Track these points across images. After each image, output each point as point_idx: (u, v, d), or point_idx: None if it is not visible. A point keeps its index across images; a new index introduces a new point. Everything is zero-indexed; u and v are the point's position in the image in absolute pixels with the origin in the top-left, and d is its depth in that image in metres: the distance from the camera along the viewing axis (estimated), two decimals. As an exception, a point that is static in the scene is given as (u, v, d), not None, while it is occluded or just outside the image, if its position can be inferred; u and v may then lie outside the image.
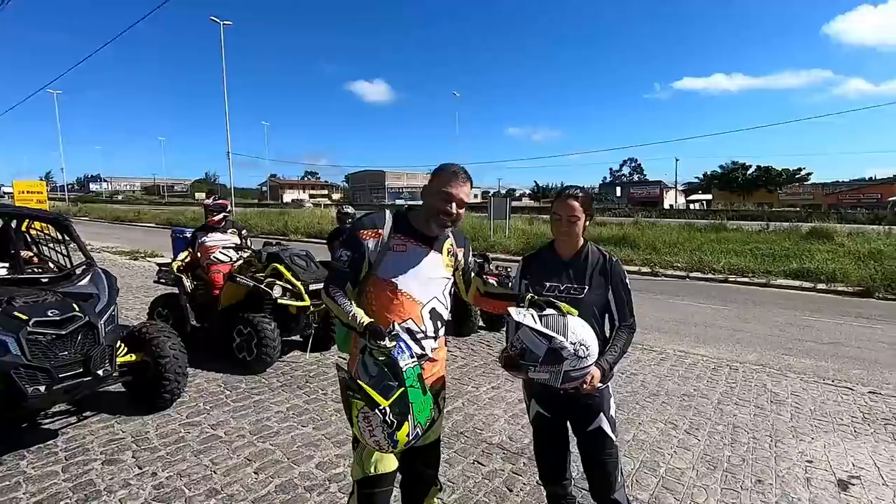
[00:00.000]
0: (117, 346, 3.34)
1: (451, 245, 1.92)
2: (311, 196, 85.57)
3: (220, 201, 5.29)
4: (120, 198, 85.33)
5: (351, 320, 1.65)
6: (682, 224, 19.70)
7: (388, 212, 1.82)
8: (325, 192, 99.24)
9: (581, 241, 1.98)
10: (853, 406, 4.23)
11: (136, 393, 3.59)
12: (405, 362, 1.57)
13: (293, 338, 5.17)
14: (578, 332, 1.72)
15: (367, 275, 1.77)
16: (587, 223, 1.95)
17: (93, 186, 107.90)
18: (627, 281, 1.95)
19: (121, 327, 3.54)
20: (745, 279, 11.32)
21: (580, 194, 1.93)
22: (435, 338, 1.85)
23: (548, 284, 1.95)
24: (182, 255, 5.06)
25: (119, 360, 3.35)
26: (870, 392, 4.61)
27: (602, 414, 1.91)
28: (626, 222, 21.51)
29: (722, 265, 12.19)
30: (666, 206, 48.61)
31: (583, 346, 1.71)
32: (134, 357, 3.49)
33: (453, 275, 1.95)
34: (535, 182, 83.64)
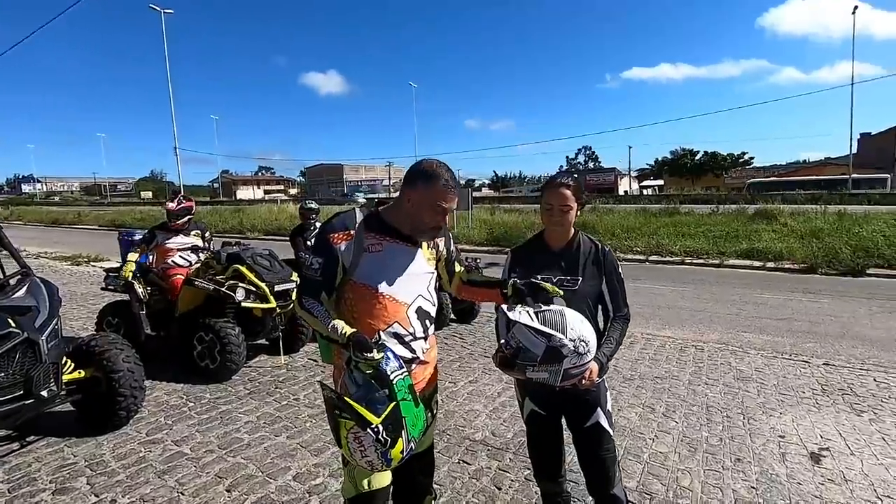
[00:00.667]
0: (63, 362, 3.04)
1: None
2: (267, 192, 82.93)
3: (186, 203, 4.91)
4: (57, 199, 79.72)
5: (332, 332, 1.52)
6: (638, 209, 20.29)
7: (357, 210, 1.67)
8: (281, 187, 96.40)
9: (572, 231, 1.91)
10: (812, 379, 4.43)
11: (87, 412, 3.28)
12: (395, 373, 1.45)
13: (259, 342, 4.92)
14: (577, 328, 1.64)
15: (344, 280, 1.63)
16: (579, 212, 1.88)
17: (25, 188, 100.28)
18: (620, 270, 1.89)
19: (66, 340, 3.23)
20: (701, 261, 11.77)
21: (571, 183, 1.85)
22: (425, 338, 1.74)
23: (539, 277, 1.86)
24: (132, 257, 4.66)
25: (66, 377, 3.05)
26: (824, 364, 4.85)
27: (599, 409, 1.86)
28: (584, 209, 21.90)
29: (678, 248, 12.63)
30: (621, 192, 50.03)
31: (582, 342, 1.64)
32: (83, 373, 3.19)
33: (436, 267, 1.83)
34: (495, 172, 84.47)
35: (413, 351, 1.69)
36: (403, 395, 1.45)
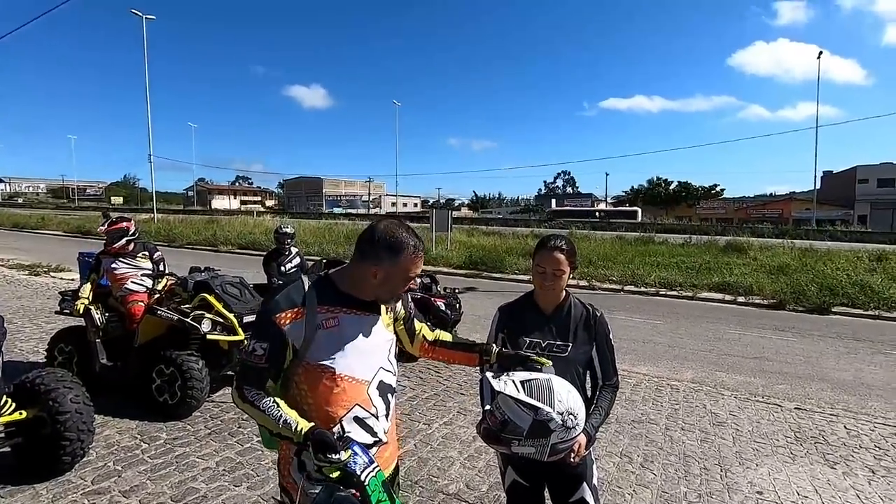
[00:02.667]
0: (2, 402, 2.79)
1: None
2: (244, 202, 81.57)
3: (118, 226, 4.50)
4: (20, 201, 76.56)
5: (284, 428, 1.30)
6: (614, 237, 20.63)
7: (304, 279, 1.45)
8: (259, 198, 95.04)
9: (563, 294, 1.83)
10: (784, 425, 4.44)
11: (27, 457, 2.99)
12: (366, 472, 1.26)
13: (223, 373, 4.67)
14: (565, 399, 1.55)
15: (293, 363, 1.41)
16: (571, 275, 1.81)
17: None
18: (612, 336, 1.82)
19: (11, 373, 2.97)
20: (675, 293, 11.95)
21: (565, 247, 1.78)
22: (387, 415, 1.53)
23: (528, 340, 1.78)
24: (86, 289, 4.36)
25: (4, 419, 2.80)
26: (796, 408, 4.89)
27: (585, 483, 1.77)
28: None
29: (653, 278, 12.81)
30: (596, 217, 50.97)
31: (571, 416, 1.55)
32: (24, 414, 2.92)
33: (395, 329, 1.64)
34: (474, 192, 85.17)
35: (375, 434, 1.48)
36: (378, 496, 1.27)
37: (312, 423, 1.32)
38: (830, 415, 4.74)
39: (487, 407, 1.61)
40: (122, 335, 4.32)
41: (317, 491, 1.26)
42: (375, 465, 1.32)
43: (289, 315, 1.37)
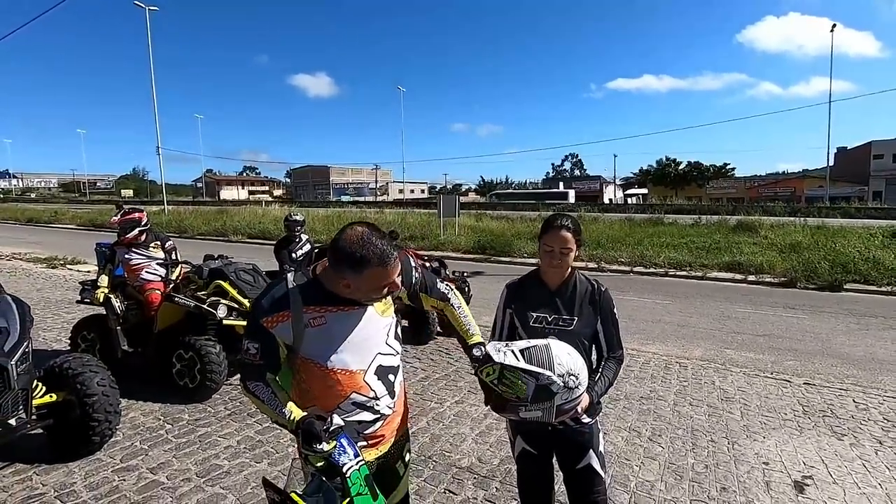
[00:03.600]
0: (33, 385, 2.92)
1: None
2: (252, 193, 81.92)
3: (130, 216, 4.61)
4: (33, 196, 77.59)
5: (280, 417, 1.39)
6: (623, 218, 20.53)
7: (289, 278, 1.47)
8: (266, 188, 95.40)
9: (569, 270, 1.88)
10: (793, 399, 4.48)
11: (58, 438, 3.14)
12: (349, 465, 1.32)
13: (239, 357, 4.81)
14: (565, 361, 1.61)
15: (292, 356, 1.48)
16: (577, 252, 1.86)
17: (0, 183, 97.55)
18: (616, 310, 1.88)
19: (37, 360, 3.09)
20: (684, 273, 11.91)
21: (571, 225, 1.83)
22: (391, 394, 1.57)
23: (535, 315, 1.84)
24: (104, 279, 4.49)
25: (36, 401, 2.93)
26: (805, 383, 4.92)
27: (591, 451, 1.84)
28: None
29: (662, 259, 12.77)
30: (606, 200, 50.64)
31: (572, 377, 1.62)
32: (54, 397, 3.06)
33: (397, 312, 1.63)
34: (481, 177, 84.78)
35: (377, 412, 1.53)
36: (359, 488, 1.31)
37: (305, 413, 1.38)
38: (840, 389, 4.77)
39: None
40: (141, 322, 4.46)
41: (305, 483, 1.33)
42: (360, 458, 1.37)
43: (275, 318, 1.42)
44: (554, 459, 1.95)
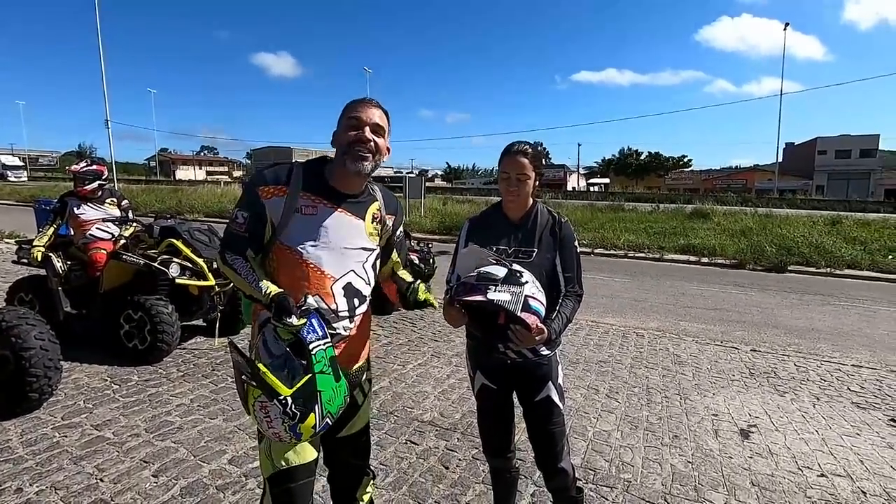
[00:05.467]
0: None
1: (379, 210, 1.59)
2: (210, 174, 78.78)
3: (94, 167, 4.38)
4: (-34, 170, 71.98)
5: (255, 291, 1.38)
6: (586, 205, 20.95)
7: (297, 165, 1.49)
8: (225, 168, 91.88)
9: (530, 202, 1.87)
10: (740, 363, 4.71)
11: (-8, 395, 2.93)
12: (315, 343, 1.33)
13: (194, 322, 4.62)
14: (525, 271, 1.65)
15: (270, 241, 1.45)
16: (537, 183, 1.84)
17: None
18: (577, 245, 1.87)
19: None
20: (643, 254, 12.31)
21: (530, 151, 1.80)
22: (350, 317, 1.53)
23: (495, 247, 1.81)
24: (48, 231, 4.20)
25: (-35, 356, 2.72)
26: (751, 350, 5.18)
27: (550, 382, 1.85)
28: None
29: (622, 242, 13.14)
30: (569, 188, 51.55)
31: (537, 283, 1.63)
32: (-14, 352, 2.85)
33: (378, 245, 1.61)
34: (447, 163, 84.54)
35: (333, 329, 1.49)
36: (322, 367, 1.33)
37: (281, 290, 1.37)
38: (783, 355, 5.05)
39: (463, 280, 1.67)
40: (85, 283, 4.19)
41: (278, 352, 1.34)
42: (327, 340, 1.36)
43: (271, 190, 1.42)
44: (514, 396, 1.95)
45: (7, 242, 11.34)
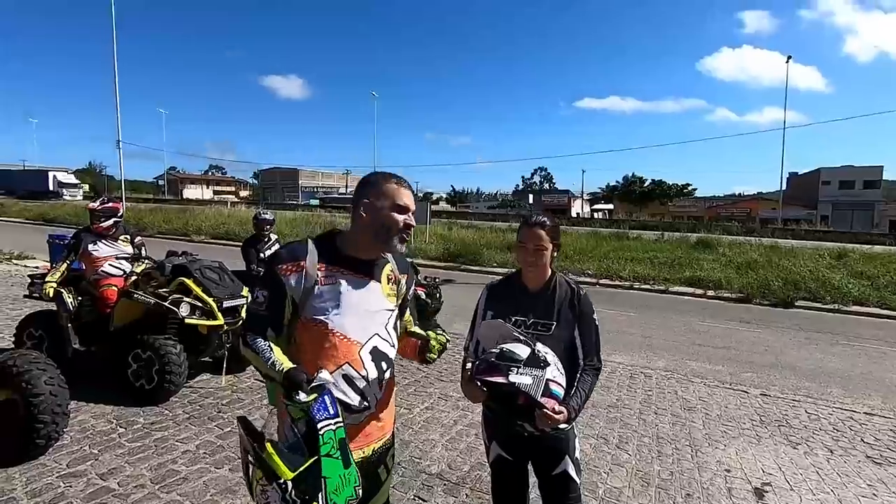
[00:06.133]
0: (-27, 384, 2.70)
1: (392, 271, 1.61)
2: (217, 193, 79.54)
3: (110, 204, 4.47)
4: (-25, 186, 72.81)
5: (270, 368, 1.36)
6: (590, 232, 20.99)
7: (310, 240, 1.52)
8: (232, 188, 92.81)
9: (549, 273, 1.88)
10: (750, 409, 4.64)
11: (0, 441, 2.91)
12: (325, 422, 1.26)
13: (201, 359, 4.60)
14: (550, 351, 1.66)
15: (294, 320, 1.47)
16: (555, 254, 1.86)
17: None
18: (596, 317, 1.87)
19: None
20: (648, 286, 12.26)
21: (547, 223, 1.83)
22: (380, 382, 1.53)
23: (514, 318, 1.82)
24: (61, 267, 4.24)
25: (-25, 401, 2.72)
26: (761, 394, 5.12)
27: (567, 457, 1.83)
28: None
29: (627, 272, 13.11)
30: (573, 213, 51.75)
31: (559, 363, 1.63)
32: (-3, 396, 2.84)
33: (396, 306, 1.63)
34: (452, 186, 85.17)
35: (365, 397, 1.49)
36: (329, 449, 1.25)
37: (295, 366, 1.36)
38: (793, 400, 4.98)
39: (483, 351, 1.68)
40: (95, 319, 4.21)
41: (292, 437, 1.29)
42: (338, 419, 1.31)
43: (290, 267, 1.44)
44: (529, 465, 1.93)
45: (16, 265, 11.42)
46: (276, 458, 1.19)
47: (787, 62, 35.87)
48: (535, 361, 1.57)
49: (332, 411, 1.29)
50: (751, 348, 7.10)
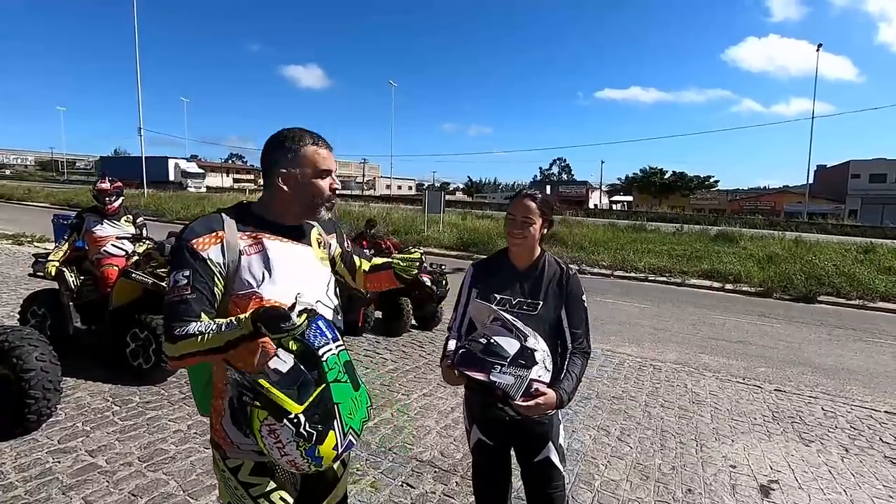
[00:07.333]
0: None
1: (320, 234, 1.49)
2: (237, 181, 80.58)
3: (119, 183, 4.52)
4: (8, 172, 75.12)
5: (228, 332, 1.13)
6: (607, 224, 20.62)
7: (221, 212, 1.32)
8: (252, 176, 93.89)
9: (538, 251, 1.77)
10: (763, 405, 4.46)
11: (-8, 415, 2.92)
12: (327, 347, 1.15)
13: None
14: (541, 342, 1.54)
15: (224, 300, 1.25)
16: (545, 230, 1.74)
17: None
18: (585, 298, 1.75)
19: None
20: (664, 278, 11.97)
21: (539, 196, 1.72)
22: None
23: (499, 296, 1.72)
24: (63, 247, 4.27)
25: (-33, 375, 2.72)
26: (776, 390, 4.92)
27: (550, 443, 1.72)
28: (555, 220, 22.18)
29: (643, 264, 12.82)
30: (591, 205, 51.00)
31: (548, 357, 1.53)
32: (-11, 371, 2.85)
33: (333, 269, 1.52)
34: (469, 177, 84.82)
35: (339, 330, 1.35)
36: (337, 374, 1.15)
37: (254, 308, 1.18)
38: (809, 397, 4.77)
39: (469, 338, 1.57)
40: (96, 298, 4.22)
41: (284, 369, 1.12)
42: (339, 342, 1.21)
43: (207, 240, 1.23)
44: (512, 452, 1.84)
45: (37, 247, 11.69)
46: (279, 393, 1.08)
47: (817, 50, 34.46)
48: (522, 359, 1.46)
49: (329, 335, 1.19)
50: (768, 343, 6.85)
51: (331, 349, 1.17)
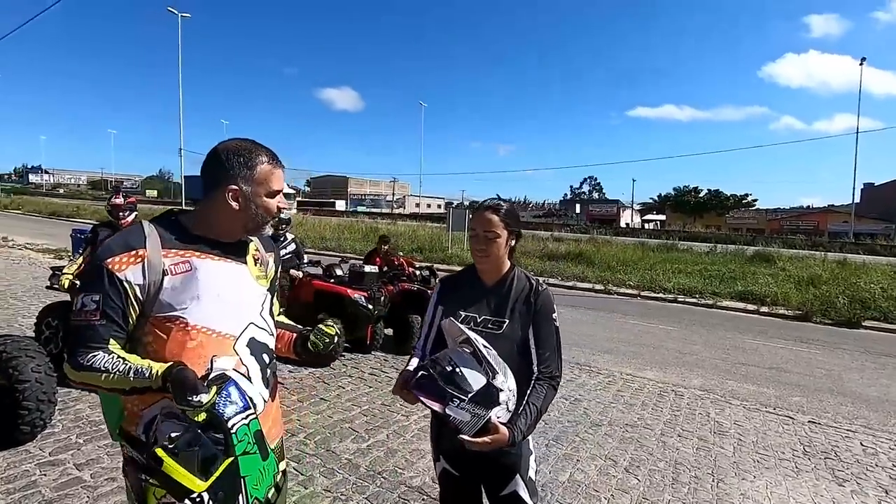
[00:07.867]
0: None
1: (258, 249, 1.39)
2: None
3: (132, 199, 4.63)
4: (61, 191, 79.89)
5: (136, 379, 1.07)
6: (637, 243, 20.07)
7: (145, 223, 1.22)
8: (293, 192, 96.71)
9: (507, 266, 1.65)
10: (794, 438, 4.11)
11: (-12, 425, 2.96)
12: (235, 418, 1.08)
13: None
14: (510, 381, 1.41)
15: (140, 324, 1.17)
16: (512, 243, 1.62)
17: (32, 178, 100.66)
18: (556, 317, 1.60)
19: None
20: (694, 300, 11.47)
21: (502, 207, 1.61)
22: (265, 381, 1.30)
23: (463, 314, 1.60)
24: (78, 260, 4.39)
25: (-36, 385, 2.77)
26: (810, 421, 4.54)
27: (518, 476, 1.57)
28: (583, 238, 21.79)
29: (672, 285, 12.35)
30: (622, 224, 50.00)
31: (513, 398, 1.40)
32: (-14, 381, 2.90)
33: (267, 290, 1.40)
34: (498, 195, 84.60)
35: (250, 400, 1.21)
36: (246, 446, 1.09)
37: (171, 363, 1.10)
38: (847, 430, 4.38)
39: (434, 358, 1.45)
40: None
41: (178, 433, 1.05)
42: (250, 410, 1.13)
43: (125, 259, 1.13)
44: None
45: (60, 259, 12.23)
46: (179, 468, 1.00)
47: (860, 64, 33.18)
48: (484, 399, 1.34)
49: (241, 404, 1.12)
50: (804, 370, 6.39)
51: (240, 419, 1.10)
